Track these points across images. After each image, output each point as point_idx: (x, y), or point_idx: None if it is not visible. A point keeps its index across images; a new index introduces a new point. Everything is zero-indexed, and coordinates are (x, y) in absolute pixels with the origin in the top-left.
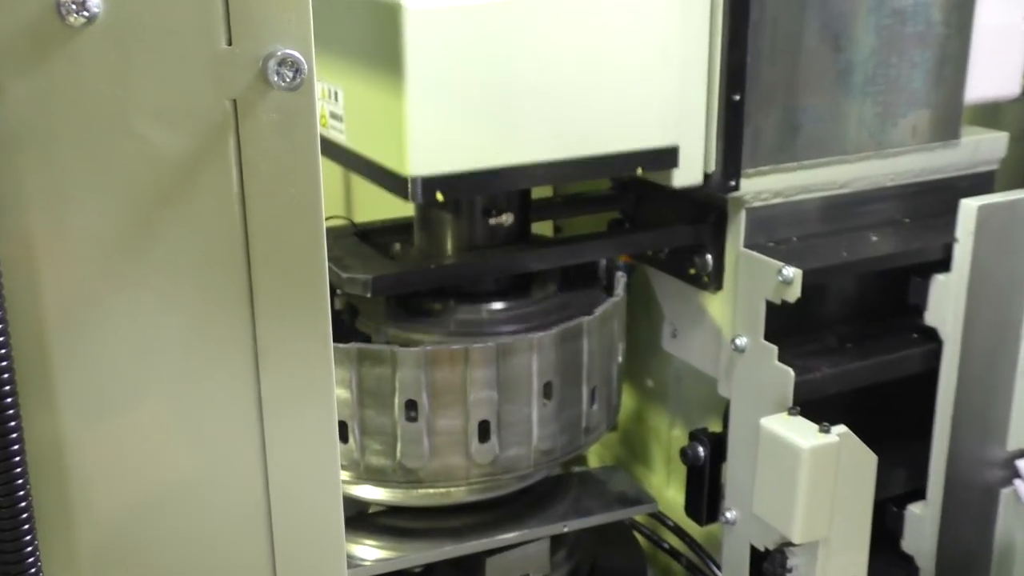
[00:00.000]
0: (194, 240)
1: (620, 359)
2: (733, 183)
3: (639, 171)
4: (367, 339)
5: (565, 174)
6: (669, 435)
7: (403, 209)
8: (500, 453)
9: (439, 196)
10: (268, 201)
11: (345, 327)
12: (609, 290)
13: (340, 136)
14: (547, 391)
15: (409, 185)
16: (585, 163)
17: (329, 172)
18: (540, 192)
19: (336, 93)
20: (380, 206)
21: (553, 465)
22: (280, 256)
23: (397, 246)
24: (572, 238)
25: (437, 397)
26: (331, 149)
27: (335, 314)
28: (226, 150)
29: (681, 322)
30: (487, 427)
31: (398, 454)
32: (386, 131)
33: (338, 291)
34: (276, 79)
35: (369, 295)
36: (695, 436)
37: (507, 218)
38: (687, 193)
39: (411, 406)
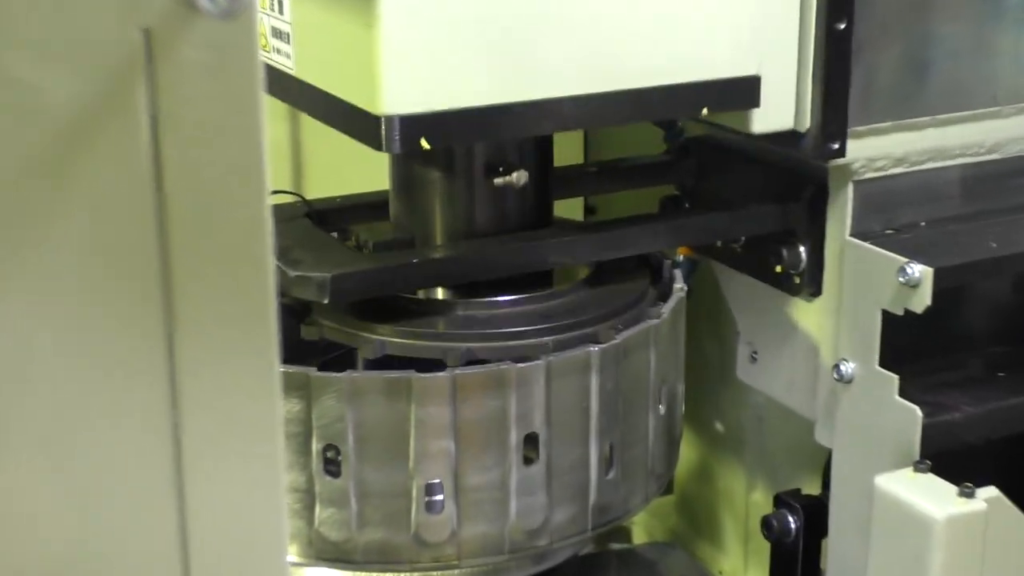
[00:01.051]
0: (85, 224)
1: (680, 391)
2: (836, 145)
3: (704, 111)
4: (317, 350)
5: (599, 114)
6: (746, 500)
7: (373, 180)
8: (458, 530)
9: (424, 143)
10: (192, 170)
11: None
12: (661, 284)
13: (286, 63)
14: (531, 443)
15: (383, 127)
16: (627, 98)
17: (271, 129)
18: (566, 156)
19: (280, 1)
20: (341, 177)
21: (552, 551)
22: (208, 247)
23: (363, 232)
24: (611, 223)
25: (366, 443)
26: (274, 82)
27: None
28: (133, 100)
29: (763, 341)
30: (438, 491)
31: (316, 520)
32: (350, 53)
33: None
34: (205, 2)
35: (326, 300)
36: (783, 501)
37: (519, 177)
38: (772, 160)
39: (332, 453)
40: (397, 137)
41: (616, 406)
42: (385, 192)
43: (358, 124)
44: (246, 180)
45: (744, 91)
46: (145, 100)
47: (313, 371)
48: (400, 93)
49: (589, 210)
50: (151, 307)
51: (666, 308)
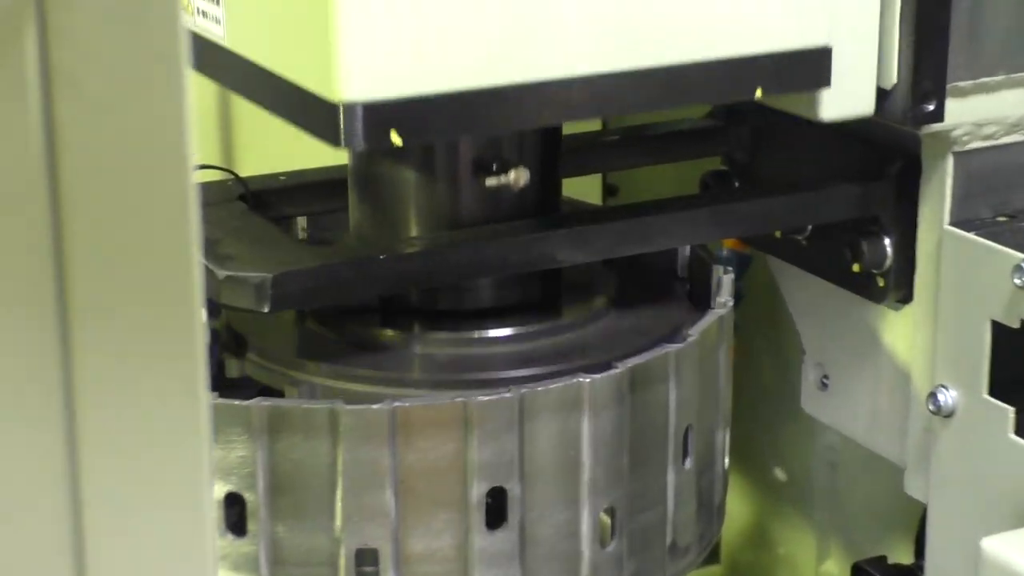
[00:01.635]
0: None
1: (720, 438)
2: (931, 107)
3: (757, 93)
4: (260, 391)
5: (618, 99)
6: (816, 571)
7: (325, 152)
8: None
9: (394, 138)
10: (94, 141)
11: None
12: (700, 298)
13: (213, 29)
14: (499, 500)
15: (341, 118)
16: (655, 79)
17: (195, 86)
18: (581, 123)
19: None
20: (284, 148)
21: None
22: (115, 238)
23: (303, 223)
24: (636, 208)
25: (280, 494)
26: (201, 55)
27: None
28: (20, 54)
29: (835, 362)
30: (373, 559)
31: None
32: (299, 21)
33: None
34: None
35: (266, 309)
36: (864, 572)
37: (518, 177)
38: (848, 126)
39: (239, 507)
40: (360, 131)
41: (618, 457)
42: (340, 168)
43: (309, 113)
44: (164, 152)
45: (810, 67)
46: (35, 56)
47: (214, 397)
48: (363, 74)
49: (609, 191)
50: (42, 312)
51: (695, 328)
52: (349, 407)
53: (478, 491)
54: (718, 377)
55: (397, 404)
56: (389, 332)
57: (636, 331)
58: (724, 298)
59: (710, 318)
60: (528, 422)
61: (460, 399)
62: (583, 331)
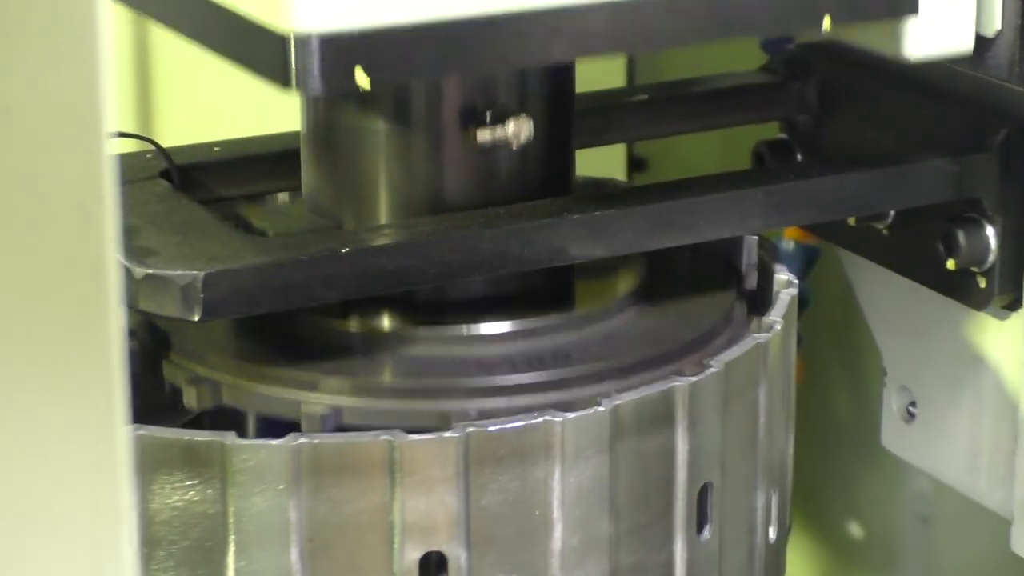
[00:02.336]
0: None
1: (770, 492)
2: None
3: (825, 24)
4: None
5: (643, 30)
6: None
7: (271, 118)
8: None
9: (361, 78)
10: None
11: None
12: (758, 301)
13: None
14: (439, 568)
15: (292, 54)
16: (691, 5)
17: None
18: (597, 76)
19: None
20: (218, 112)
21: None
22: (11, 222)
23: (256, 206)
24: (672, 187)
25: (161, 546)
26: None
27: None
28: None
29: (925, 386)
30: None
31: None
32: None
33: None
34: None
35: (196, 317)
36: None
37: (518, 129)
38: (942, 83)
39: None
40: (317, 69)
41: (598, 521)
42: (290, 137)
43: (252, 48)
44: (74, 117)
45: None
46: None
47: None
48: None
49: (636, 165)
50: None
51: (721, 358)
52: (241, 442)
53: (408, 555)
54: (756, 421)
55: (302, 441)
56: (351, 324)
57: (655, 337)
58: (775, 317)
59: (745, 346)
60: (475, 469)
61: (385, 437)
62: (591, 330)
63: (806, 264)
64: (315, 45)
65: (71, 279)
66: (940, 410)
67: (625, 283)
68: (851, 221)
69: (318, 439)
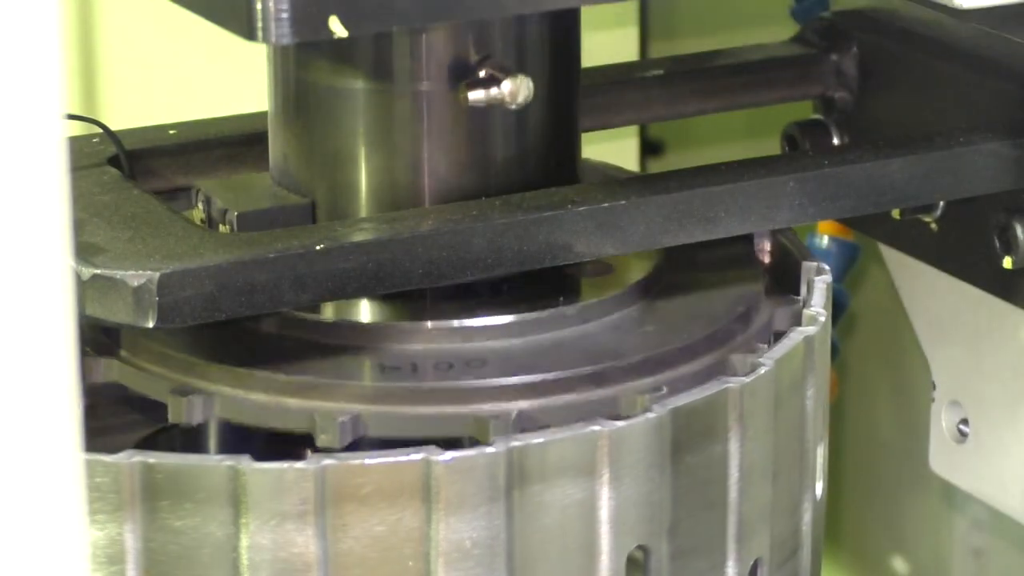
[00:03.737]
0: None
1: (812, 506)
2: None
3: None
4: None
5: None
6: None
7: (232, 96)
8: None
9: (334, 26)
10: None
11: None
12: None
13: None
14: None
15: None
16: None
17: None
18: (608, 49)
19: None
20: (172, 89)
21: None
22: None
23: (217, 193)
24: (690, 175)
25: None
26: None
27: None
28: None
29: (979, 400)
30: None
31: None
32: None
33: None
34: None
35: (151, 324)
36: None
37: (515, 90)
38: (998, 56)
39: None
40: (286, 15)
41: (655, 539)
42: (257, 118)
43: None
44: (16, 94)
45: None
46: None
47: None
48: None
49: (651, 149)
50: None
51: (771, 354)
52: (260, 466)
53: None
54: (804, 426)
55: (327, 463)
56: (331, 318)
57: (667, 331)
58: (817, 309)
59: (791, 340)
60: (522, 488)
61: (419, 456)
62: (598, 325)
63: (844, 263)
64: None
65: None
66: (995, 429)
67: (643, 264)
68: (895, 214)
69: (342, 460)
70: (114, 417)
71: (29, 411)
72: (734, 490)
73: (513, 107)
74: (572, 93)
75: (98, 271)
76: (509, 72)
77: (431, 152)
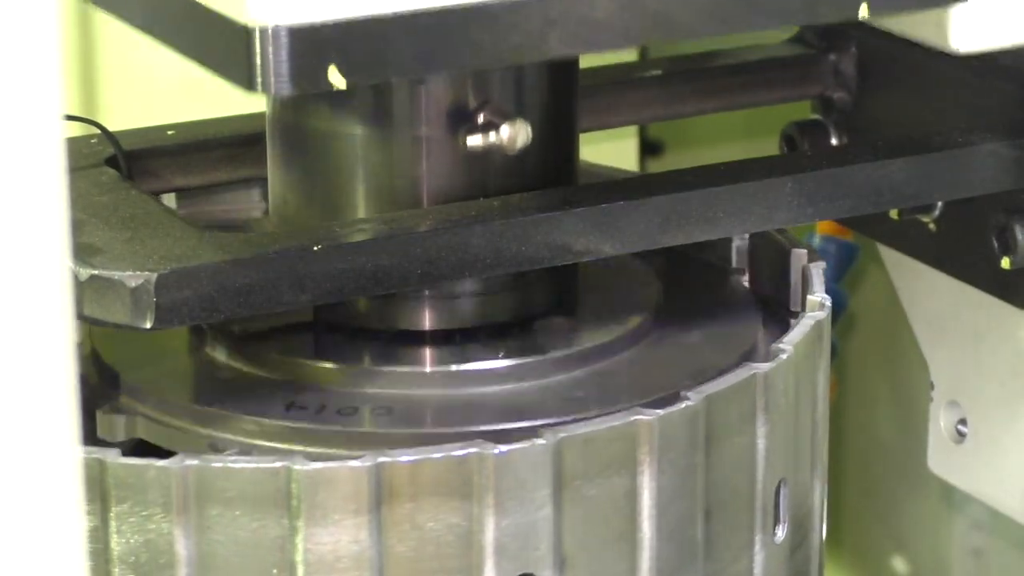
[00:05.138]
0: None
1: (823, 488)
2: None
3: (862, 11)
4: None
5: (660, 23)
6: None
7: (229, 99)
8: None
9: (335, 77)
10: None
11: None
12: (770, 299)
13: None
14: None
15: (258, 49)
16: None
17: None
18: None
19: None
20: (171, 90)
21: None
22: None
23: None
24: (689, 175)
25: None
26: None
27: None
28: None
29: (978, 400)
30: None
31: None
32: None
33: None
34: None
35: (148, 325)
36: None
37: (515, 135)
38: (996, 61)
39: None
40: (285, 68)
41: (690, 527)
42: (256, 119)
43: (212, 42)
44: (21, 99)
45: None
46: None
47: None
48: None
49: (650, 149)
50: None
51: (789, 338)
52: (312, 467)
53: None
54: (815, 408)
55: (383, 460)
56: (326, 365)
57: (671, 364)
58: (819, 296)
59: (805, 325)
60: (569, 481)
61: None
62: (613, 361)
63: (842, 264)
64: (284, 40)
65: (14, 282)
66: (994, 429)
67: (640, 302)
68: (894, 214)
69: (400, 456)
70: None
71: (27, 410)
72: (761, 466)
73: (511, 152)
74: (571, 108)
75: (96, 272)
76: (507, 116)
77: (433, 186)
